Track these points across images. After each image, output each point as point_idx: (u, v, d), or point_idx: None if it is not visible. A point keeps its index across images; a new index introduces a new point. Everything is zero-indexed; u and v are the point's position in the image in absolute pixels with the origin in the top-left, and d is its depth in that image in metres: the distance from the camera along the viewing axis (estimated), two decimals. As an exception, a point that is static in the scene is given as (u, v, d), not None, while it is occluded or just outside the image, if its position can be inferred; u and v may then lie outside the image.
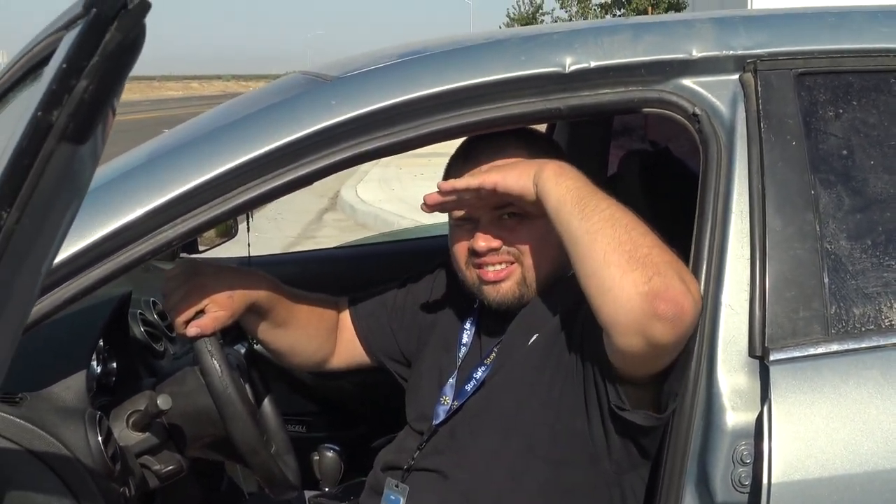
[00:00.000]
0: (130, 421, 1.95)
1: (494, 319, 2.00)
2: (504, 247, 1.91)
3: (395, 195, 13.00)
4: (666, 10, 29.17)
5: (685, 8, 30.03)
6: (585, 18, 31.26)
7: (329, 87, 1.82)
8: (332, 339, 2.22)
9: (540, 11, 37.40)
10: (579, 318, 1.79)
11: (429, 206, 1.87)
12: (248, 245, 2.63)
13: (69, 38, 0.85)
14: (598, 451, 1.81)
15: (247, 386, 2.06)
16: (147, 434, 1.95)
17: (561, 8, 32.25)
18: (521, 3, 37.94)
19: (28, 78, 1.26)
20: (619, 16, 30.59)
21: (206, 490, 2.38)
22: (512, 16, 38.59)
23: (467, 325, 2.06)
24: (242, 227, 2.90)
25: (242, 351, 2.26)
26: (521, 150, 1.91)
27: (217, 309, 1.91)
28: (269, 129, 1.74)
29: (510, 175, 1.79)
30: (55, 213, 0.86)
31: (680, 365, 1.68)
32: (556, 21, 36.14)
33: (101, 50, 0.84)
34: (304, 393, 3.17)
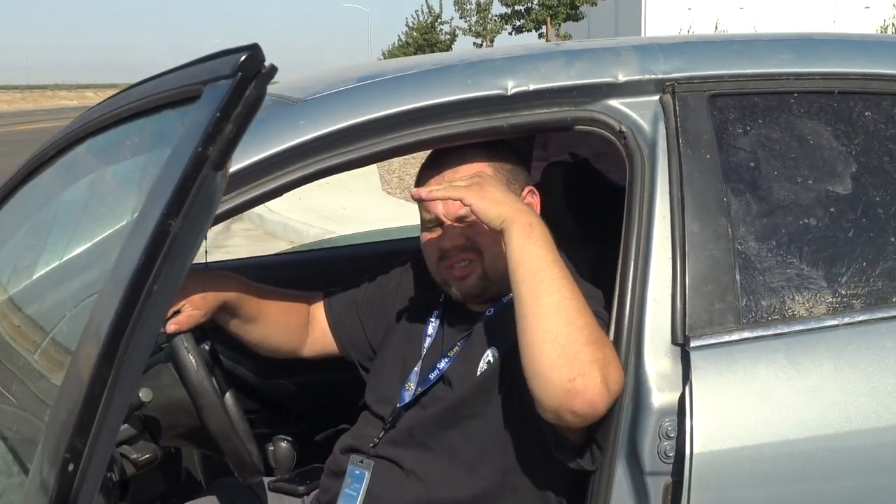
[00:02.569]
0: None
1: (459, 315, 2.19)
2: (468, 243, 2.09)
3: (302, 205, 13.07)
4: (564, 21, 29.68)
5: (582, 19, 30.56)
6: (485, 29, 31.59)
7: (297, 109, 1.98)
8: (301, 331, 2.40)
9: (439, 21, 37.64)
10: None
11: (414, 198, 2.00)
12: (206, 252, 2.78)
13: (214, 91, 1.08)
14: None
15: (213, 380, 2.23)
16: (126, 425, 2.10)
17: (460, 18, 32.51)
18: (420, 12, 38.20)
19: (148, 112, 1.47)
20: (519, 26, 31.02)
21: (169, 481, 2.53)
22: (411, 25, 38.82)
23: (433, 318, 2.25)
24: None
25: (206, 349, 2.41)
26: (482, 155, 2.11)
27: (192, 308, 2.10)
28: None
29: (485, 203, 1.87)
30: (201, 222, 1.07)
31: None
32: (454, 30, 36.53)
33: (243, 102, 1.07)
34: (246, 391, 3.31)
